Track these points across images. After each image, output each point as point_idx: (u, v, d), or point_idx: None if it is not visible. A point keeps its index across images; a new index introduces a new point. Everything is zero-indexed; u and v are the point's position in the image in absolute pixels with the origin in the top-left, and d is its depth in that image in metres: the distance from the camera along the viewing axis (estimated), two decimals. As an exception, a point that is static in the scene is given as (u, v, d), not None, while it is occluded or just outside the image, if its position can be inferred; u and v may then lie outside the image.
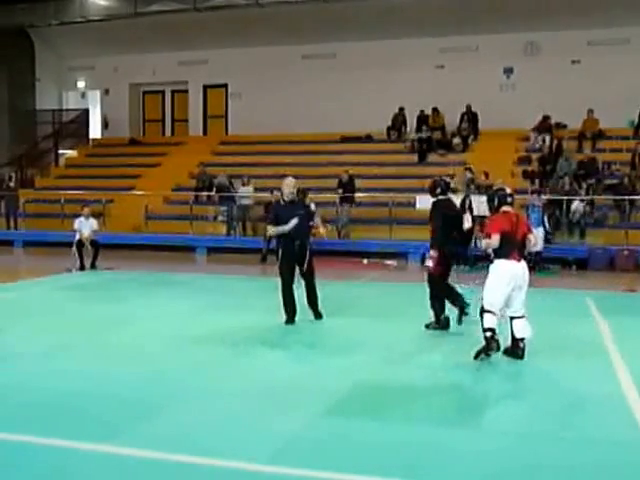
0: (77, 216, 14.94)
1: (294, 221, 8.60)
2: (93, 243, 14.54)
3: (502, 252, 6.81)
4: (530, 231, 7.17)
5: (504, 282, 6.80)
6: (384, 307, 10.40)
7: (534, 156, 19.61)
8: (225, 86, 25.56)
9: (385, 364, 6.85)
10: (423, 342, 7.95)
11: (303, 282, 8.86)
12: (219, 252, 17.84)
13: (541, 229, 15.06)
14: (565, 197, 17.23)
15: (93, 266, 14.43)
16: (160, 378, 6.37)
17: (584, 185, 17.64)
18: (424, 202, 17.45)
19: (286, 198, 8.80)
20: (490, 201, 7.26)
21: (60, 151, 25.99)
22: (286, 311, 8.75)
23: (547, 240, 15.13)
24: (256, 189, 19.31)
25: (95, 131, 27.07)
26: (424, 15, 21.47)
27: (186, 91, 26.24)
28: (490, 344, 6.78)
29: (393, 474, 4.24)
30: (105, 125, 27.14)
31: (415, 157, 21.18)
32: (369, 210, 18.72)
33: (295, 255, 8.78)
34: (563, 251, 16.11)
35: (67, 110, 27.12)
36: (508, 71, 22.24)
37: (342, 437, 4.83)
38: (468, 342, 7.89)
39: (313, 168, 21.12)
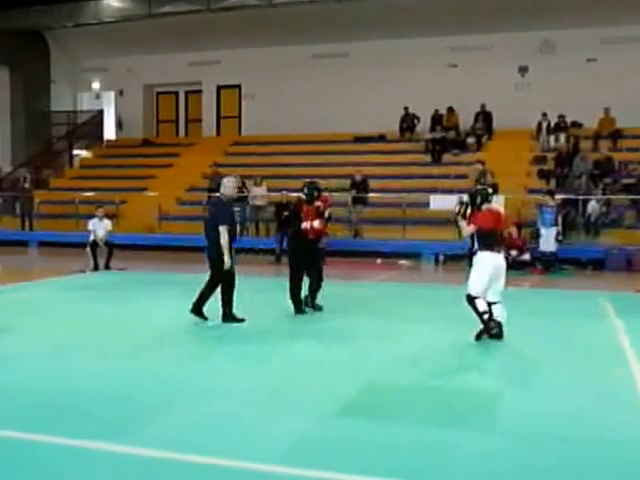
0: (91, 217, 15.00)
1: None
2: (107, 244, 14.59)
3: (485, 245, 7.53)
4: (507, 226, 8.10)
5: (487, 272, 7.49)
6: (396, 308, 10.33)
7: (549, 156, 19.45)
8: (238, 87, 25.58)
9: (396, 365, 6.80)
10: (434, 343, 7.87)
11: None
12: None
13: (554, 229, 14.93)
14: (581, 197, 17.07)
15: (107, 267, 14.47)
16: (169, 378, 6.35)
17: (600, 185, 17.46)
18: (438, 202, 17.48)
19: (229, 197, 8.59)
20: (473, 199, 7.85)
21: (74, 152, 26.15)
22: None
23: (559, 241, 14.99)
24: (269, 189, 19.28)
25: (109, 132, 27.19)
26: (437, 14, 21.36)
27: (200, 92, 26.29)
28: (489, 325, 7.47)
29: (403, 476, 4.20)
30: (119, 126, 27.25)
31: (429, 157, 21.08)
32: (382, 210, 18.64)
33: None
34: (579, 252, 15.95)
35: (82, 111, 27.29)
36: (523, 70, 22.07)
37: (352, 438, 4.79)
38: (476, 344, 7.82)
39: (326, 168, 21.05)
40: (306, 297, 9.45)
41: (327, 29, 22.47)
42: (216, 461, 4.33)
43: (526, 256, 15.26)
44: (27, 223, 21.35)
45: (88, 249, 14.53)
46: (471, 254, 8.04)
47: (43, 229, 21.16)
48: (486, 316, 7.48)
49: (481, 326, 7.56)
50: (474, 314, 7.64)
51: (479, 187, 8.41)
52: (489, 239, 7.56)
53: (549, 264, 15.01)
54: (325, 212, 9.59)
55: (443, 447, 4.64)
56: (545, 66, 21.41)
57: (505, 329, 7.69)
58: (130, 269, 14.65)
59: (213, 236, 8.30)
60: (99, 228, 14.58)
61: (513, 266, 15.10)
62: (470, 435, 4.87)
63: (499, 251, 7.63)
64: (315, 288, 9.45)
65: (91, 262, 14.39)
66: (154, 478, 4.21)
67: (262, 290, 11.31)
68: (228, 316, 8.54)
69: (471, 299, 7.57)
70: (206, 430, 4.91)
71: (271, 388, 5.97)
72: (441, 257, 16.81)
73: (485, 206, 7.73)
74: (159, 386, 6.03)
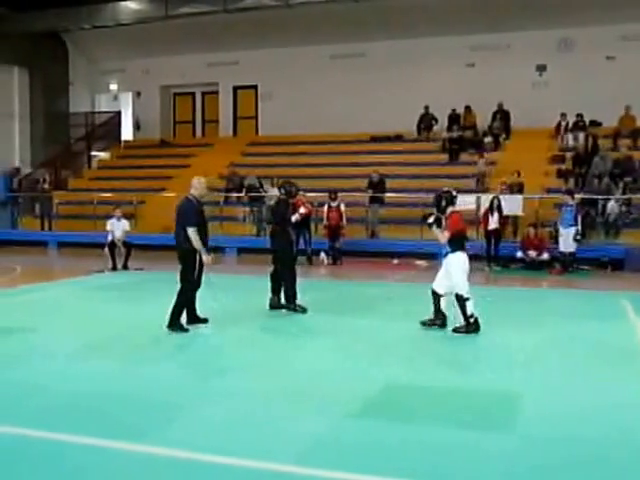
0: (109, 217, 15.10)
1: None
2: (125, 244, 14.67)
3: (459, 246, 8.04)
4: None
5: (466, 270, 8.09)
6: (413, 308, 10.26)
7: (568, 155, 19.29)
8: (255, 87, 25.62)
9: (414, 365, 6.77)
10: (453, 343, 7.84)
11: None
12: (249, 253, 17.84)
13: (573, 229, 14.82)
14: (600, 197, 16.92)
15: (125, 267, 14.55)
16: (187, 378, 6.38)
17: (620, 184, 17.29)
18: (456, 202, 17.38)
19: (199, 198, 8.41)
20: (438, 202, 8.29)
21: (93, 153, 26.32)
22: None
23: (577, 241, 14.87)
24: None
25: (127, 133, 27.32)
26: (454, 13, 21.27)
27: (216, 92, 26.35)
28: (471, 326, 8.01)
29: (420, 477, 4.19)
30: (137, 127, 27.38)
31: (446, 157, 21.00)
32: (399, 210, 18.58)
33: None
34: (598, 252, 15.81)
35: (99, 112, 27.45)
36: (541, 68, 21.89)
37: (371, 439, 4.78)
38: (496, 344, 7.79)
39: (343, 168, 21.06)
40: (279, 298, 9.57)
41: (344, 29, 22.43)
42: (235, 461, 4.34)
43: (545, 256, 15.16)
44: (46, 223, 21.54)
45: (106, 249, 14.63)
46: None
47: (62, 229, 21.32)
48: (472, 319, 8.00)
49: (439, 319, 8.28)
50: (459, 311, 8.11)
51: (444, 190, 8.60)
52: (461, 241, 8.11)
53: (568, 264, 14.90)
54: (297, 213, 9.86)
55: (461, 448, 4.61)
56: (563, 64, 21.23)
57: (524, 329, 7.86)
58: (148, 269, 14.72)
59: (180, 237, 8.14)
60: (117, 228, 14.67)
61: (532, 266, 15.08)
62: (489, 436, 4.84)
63: (466, 250, 8.19)
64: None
65: (109, 262, 14.48)
66: (173, 477, 4.23)
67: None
68: (173, 324, 8.15)
69: (463, 300, 8.02)
70: (225, 431, 4.92)
71: (289, 389, 5.96)
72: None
73: (450, 209, 8.15)
74: (178, 387, 6.05)
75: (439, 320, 8.34)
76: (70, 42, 26.14)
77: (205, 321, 8.52)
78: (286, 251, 9.48)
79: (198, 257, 8.13)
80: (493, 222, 15.37)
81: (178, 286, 8.25)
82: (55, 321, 9.07)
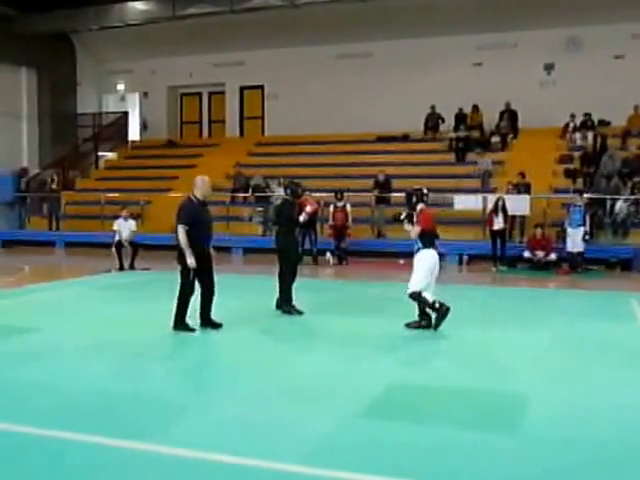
0: (116, 217, 15.13)
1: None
2: (132, 244, 14.70)
3: (429, 243, 8.07)
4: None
5: (430, 267, 8.03)
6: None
7: (576, 154, 19.21)
8: (261, 87, 25.62)
9: (421, 366, 6.75)
10: (460, 344, 7.81)
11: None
12: (255, 252, 17.85)
13: (582, 229, 14.76)
14: (609, 196, 16.84)
15: (132, 266, 14.58)
16: (194, 377, 6.37)
17: (629, 184, 17.19)
18: (462, 202, 17.37)
19: (201, 198, 8.18)
20: (409, 199, 8.43)
21: (100, 153, 26.38)
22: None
23: (585, 241, 14.81)
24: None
25: (134, 133, 27.38)
26: (461, 12, 21.21)
27: (223, 93, 26.37)
28: (441, 309, 7.96)
29: (427, 477, 4.17)
30: (144, 127, 27.44)
31: (452, 156, 20.95)
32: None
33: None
34: (607, 252, 15.74)
35: (107, 113, 27.52)
36: (549, 67, 21.81)
37: (377, 439, 4.76)
38: (502, 344, 7.76)
39: (349, 168, 21.04)
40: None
41: (351, 29, 22.41)
42: (241, 461, 4.33)
43: (552, 256, 15.10)
44: (54, 223, 21.61)
45: (113, 249, 14.66)
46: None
47: (70, 229, 21.39)
48: (437, 304, 8.00)
49: (424, 320, 8.17)
50: (418, 308, 8.15)
51: (415, 187, 8.70)
52: (432, 238, 8.12)
53: (576, 264, 14.84)
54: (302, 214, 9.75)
55: (467, 448, 4.59)
56: (572, 63, 21.14)
57: (531, 330, 7.75)
58: (155, 269, 14.74)
59: (176, 236, 7.99)
60: (124, 228, 14.70)
61: (539, 266, 15.02)
62: (495, 437, 4.82)
63: (436, 248, 8.17)
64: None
65: (116, 262, 14.51)
66: (181, 476, 4.22)
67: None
68: (176, 325, 8.04)
69: (417, 294, 8.02)
70: (230, 431, 4.91)
71: (294, 389, 5.95)
72: (465, 257, 16.69)
73: (420, 206, 8.20)
74: (185, 386, 6.06)
75: (424, 321, 8.25)
76: (78, 43, 26.22)
77: (219, 326, 8.27)
78: (290, 252, 9.45)
79: (197, 256, 7.86)
80: (498, 222, 15.33)
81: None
82: (62, 320, 9.09)
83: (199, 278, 8.08)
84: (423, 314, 8.25)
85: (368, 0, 20.58)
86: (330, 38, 23.04)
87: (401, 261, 16.56)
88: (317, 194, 16.96)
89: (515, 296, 12.19)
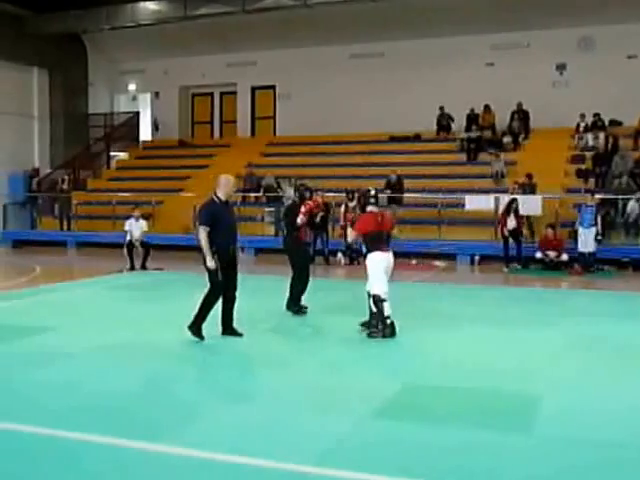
0: (128, 217, 15.16)
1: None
2: (143, 244, 14.72)
3: (373, 246, 7.91)
4: (393, 227, 8.39)
5: (382, 270, 7.88)
6: (431, 308, 10.24)
7: (588, 154, 19.13)
8: (273, 87, 25.64)
9: (432, 366, 6.73)
10: (472, 344, 7.79)
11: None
12: (267, 253, 17.86)
13: (593, 229, 14.69)
14: (620, 196, 16.76)
15: (143, 267, 14.61)
16: (206, 378, 6.38)
17: (641, 184, 17.12)
18: (474, 202, 17.32)
19: (223, 197, 7.88)
20: (358, 202, 8.45)
21: (111, 153, 26.48)
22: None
23: (597, 241, 14.74)
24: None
25: (145, 133, 27.46)
26: (473, 12, 21.15)
27: (235, 93, 26.41)
28: (385, 330, 7.73)
29: (440, 477, 4.16)
30: (155, 127, 27.50)
31: (464, 157, 20.89)
32: (417, 210, 18.52)
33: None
34: (619, 252, 15.67)
35: (118, 113, 27.61)
36: (561, 67, 21.71)
37: (390, 440, 4.76)
38: (515, 345, 7.73)
39: (361, 168, 21.02)
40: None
41: (363, 29, 22.39)
42: (253, 462, 4.33)
43: (564, 257, 15.04)
44: (66, 224, 21.70)
45: (125, 249, 14.70)
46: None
47: (81, 230, 21.47)
48: (389, 321, 7.77)
49: (372, 325, 7.95)
50: (374, 310, 7.92)
51: (363, 189, 8.65)
52: (374, 240, 7.94)
53: (588, 265, 14.77)
54: (317, 216, 9.69)
55: (481, 449, 4.58)
56: (584, 63, 21.04)
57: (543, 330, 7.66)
58: (166, 269, 14.77)
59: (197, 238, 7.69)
60: (135, 229, 14.73)
61: (551, 267, 14.96)
62: (509, 437, 4.80)
63: (387, 250, 7.99)
64: (302, 290, 9.45)
65: (128, 262, 14.54)
66: (193, 477, 4.22)
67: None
68: (192, 325, 7.72)
69: (379, 301, 7.81)
70: (244, 431, 4.91)
71: (307, 390, 5.95)
72: (477, 257, 16.65)
73: (369, 208, 8.08)
74: (197, 387, 6.06)
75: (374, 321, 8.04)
76: (89, 43, 26.32)
77: (240, 335, 7.91)
78: (298, 255, 9.39)
79: (221, 257, 7.63)
80: (510, 223, 15.28)
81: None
82: (73, 321, 9.11)
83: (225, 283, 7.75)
84: (373, 314, 8.03)
85: (380, 0, 20.55)
86: (342, 38, 23.03)
87: (413, 261, 16.57)
88: (329, 194, 16.97)
89: (527, 296, 12.14)
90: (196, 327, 7.68)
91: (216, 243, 7.59)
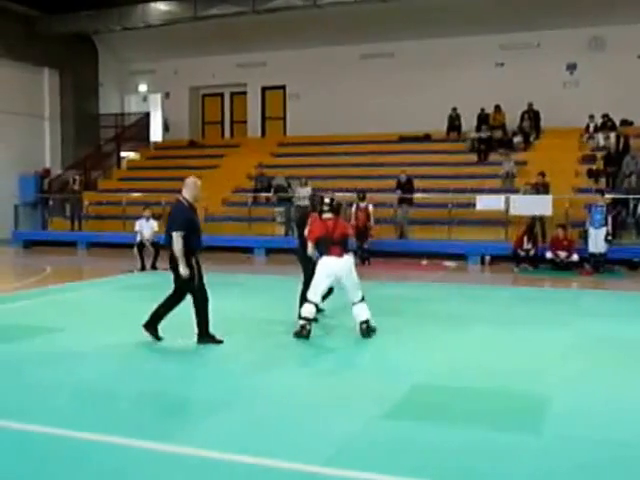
0: (138, 218, 15.21)
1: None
2: (154, 244, 14.76)
3: (321, 250, 8.06)
4: (349, 234, 8.40)
5: (326, 274, 7.89)
6: (441, 309, 10.22)
7: (599, 154, 19.05)
8: (283, 87, 25.68)
9: (443, 367, 6.72)
10: (482, 344, 7.78)
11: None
12: (277, 253, 17.88)
13: (604, 230, 14.62)
14: (631, 196, 16.67)
15: (154, 267, 14.64)
16: (215, 378, 6.39)
17: (652, 184, 17.01)
18: (484, 203, 17.28)
19: (191, 200, 7.66)
20: (312, 205, 8.90)
21: (122, 154, 26.57)
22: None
23: (608, 241, 14.67)
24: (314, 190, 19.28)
25: (156, 134, 27.55)
26: (483, 12, 21.11)
27: (245, 93, 26.46)
28: (303, 331, 7.80)
29: (450, 477, 4.17)
30: (166, 128, 27.60)
31: (475, 157, 20.85)
32: (428, 211, 18.50)
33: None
34: (630, 252, 15.58)
35: (129, 114, 27.72)
36: (571, 67, 21.64)
37: (401, 439, 4.77)
38: (525, 345, 7.71)
39: (371, 168, 21.02)
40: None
41: (373, 29, 22.39)
42: (263, 462, 4.34)
43: (574, 257, 14.98)
44: (76, 224, 21.78)
45: (135, 250, 14.74)
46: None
47: (92, 230, 21.56)
48: (307, 326, 7.82)
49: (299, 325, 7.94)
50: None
51: (318, 196, 8.87)
52: (321, 246, 8.05)
53: (598, 265, 14.71)
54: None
55: (491, 449, 4.58)
56: (594, 63, 20.97)
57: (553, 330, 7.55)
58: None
59: (169, 243, 7.42)
60: (146, 229, 14.78)
61: (561, 267, 14.91)
62: (519, 437, 4.80)
63: (339, 254, 7.92)
64: (326, 294, 9.39)
65: (138, 262, 14.58)
66: (203, 477, 4.24)
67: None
68: (203, 335, 7.57)
69: (307, 301, 7.96)
70: (253, 431, 4.92)
71: (316, 390, 5.97)
72: (487, 258, 16.61)
73: (324, 215, 8.13)
74: (207, 387, 6.08)
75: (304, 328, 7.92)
76: (100, 43, 26.44)
77: (220, 342, 7.64)
78: (305, 263, 9.34)
79: (197, 262, 7.46)
80: (526, 245, 15.32)
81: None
82: (83, 321, 9.15)
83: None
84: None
85: (390, 0, 20.55)
86: (352, 38, 23.04)
87: (424, 262, 16.56)
88: (339, 194, 16.95)
89: (537, 296, 12.10)
90: (206, 334, 7.56)
91: (190, 248, 7.39)
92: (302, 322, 7.88)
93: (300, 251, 9.31)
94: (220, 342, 7.58)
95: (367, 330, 7.89)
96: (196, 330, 7.59)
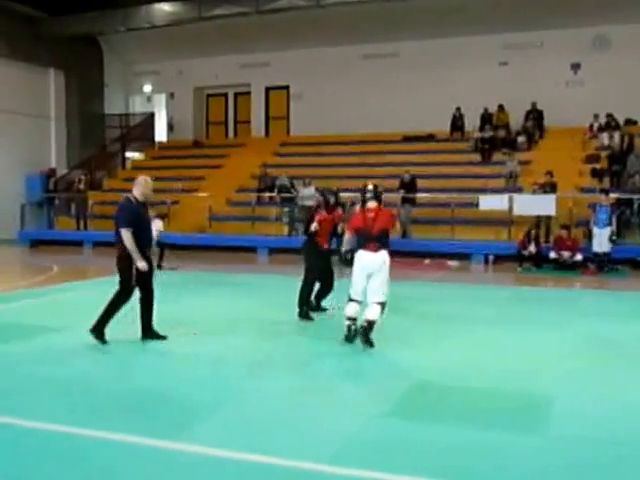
0: (143, 217, 15.22)
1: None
2: (158, 244, 14.80)
3: (359, 245, 7.65)
4: (392, 225, 7.98)
5: (357, 269, 7.57)
6: (444, 308, 10.26)
7: (603, 154, 19.05)
8: (287, 88, 25.72)
9: (444, 366, 6.75)
10: (485, 344, 7.81)
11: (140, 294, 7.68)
12: (281, 253, 17.93)
13: (608, 229, 14.64)
14: (636, 196, 16.67)
15: (159, 266, 14.66)
16: (218, 377, 6.42)
17: (656, 183, 17.01)
18: (488, 202, 17.30)
19: (140, 198, 7.68)
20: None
21: (127, 154, 26.68)
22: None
23: (612, 241, 14.69)
24: (318, 190, 19.32)
25: (160, 134, 27.64)
26: (487, 11, 21.11)
27: (249, 93, 26.52)
28: (348, 333, 7.56)
29: (452, 477, 4.19)
30: (170, 128, 27.68)
31: (478, 156, 20.86)
32: (431, 210, 18.53)
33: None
34: (634, 252, 15.58)
35: (134, 114, 27.81)
36: (575, 67, 21.63)
37: (402, 438, 4.79)
38: (528, 345, 7.74)
39: (375, 168, 21.03)
40: (312, 300, 9.39)
41: (376, 29, 22.42)
42: (266, 460, 4.37)
43: (578, 257, 14.99)
44: (82, 223, 21.88)
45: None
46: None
47: (97, 229, 21.63)
48: (349, 322, 7.59)
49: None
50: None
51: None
52: (360, 239, 7.72)
53: (602, 264, 14.72)
54: (338, 226, 9.57)
55: (491, 448, 4.61)
56: (598, 63, 20.95)
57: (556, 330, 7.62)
58: (181, 269, 14.87)
59: (117, 241, 7.49)
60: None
61: (565, 267, 14.92)
62: (520, 437, 4.82)
63: (375, 250, 7.47)
64: (324, 293, 9.46)
65: (143, 262, 14.61)
66: (207, 476, 4.27)
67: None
68: (96, 328, 7.54)
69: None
70: (256, 429, 4.96)
71: (320, 388, 5.99)
72: (490, 257, 16.63)
73: (367, 204, 7.73)
74: (209, 386, 6.10)
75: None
76: (105, 44, 26.54)
77: (163, 338, 7.71)
78: (316, 259, 9.36)
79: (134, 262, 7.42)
80: (529, 249, 15.37)
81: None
82: (89, 320, 9.18)
83: (140, 284, 7.58)
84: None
85: (393, 0, 20.57)
86: (356, 38, 23.07)
87: (426, 261, 16.59)
88: (343, 194, 16.95)
89: (540, 296, 12.12)
90: (100, 329, 7.51)
91: (139, 246, 7.39)
92: (348, 322, 7.61)
93: (307, 248, 9.35)
94: (164, 338, 7.64)
95: (367, 331, 7.33)
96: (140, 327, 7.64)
